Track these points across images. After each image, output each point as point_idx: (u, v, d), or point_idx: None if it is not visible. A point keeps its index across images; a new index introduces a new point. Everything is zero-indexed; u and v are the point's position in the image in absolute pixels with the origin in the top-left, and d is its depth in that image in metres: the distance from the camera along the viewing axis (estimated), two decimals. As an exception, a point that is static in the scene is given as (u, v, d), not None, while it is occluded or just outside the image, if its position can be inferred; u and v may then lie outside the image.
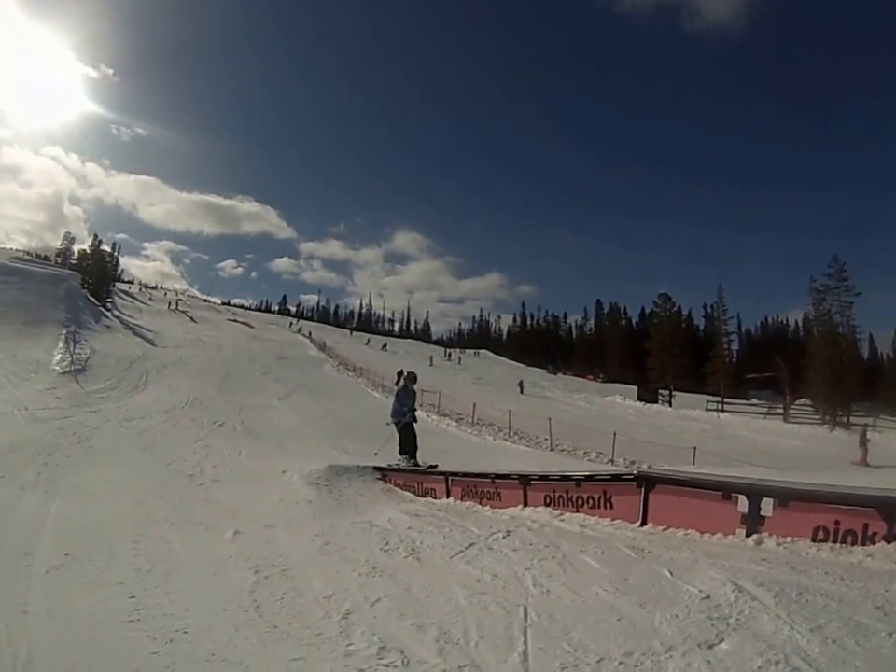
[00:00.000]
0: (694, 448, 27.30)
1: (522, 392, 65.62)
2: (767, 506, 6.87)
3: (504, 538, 8.00)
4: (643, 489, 8.34)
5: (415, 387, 16.73)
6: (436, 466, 15.18)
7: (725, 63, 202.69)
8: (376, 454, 16.64)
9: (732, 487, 7.32)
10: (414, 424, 16.57)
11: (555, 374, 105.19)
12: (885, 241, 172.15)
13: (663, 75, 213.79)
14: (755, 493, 7.02)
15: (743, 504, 7.08)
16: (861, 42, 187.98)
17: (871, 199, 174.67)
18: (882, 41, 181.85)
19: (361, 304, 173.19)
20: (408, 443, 16.18)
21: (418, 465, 15.69)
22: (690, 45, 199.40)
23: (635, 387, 76.14)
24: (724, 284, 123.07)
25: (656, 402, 68.75)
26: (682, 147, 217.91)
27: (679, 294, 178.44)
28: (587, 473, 9.77)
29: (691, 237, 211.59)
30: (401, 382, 17.18)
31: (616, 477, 9.15)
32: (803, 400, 67.99)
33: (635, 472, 9.06)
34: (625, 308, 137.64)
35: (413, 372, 17.23)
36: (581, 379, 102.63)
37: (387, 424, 16.48)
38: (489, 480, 11.51)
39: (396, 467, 15.75)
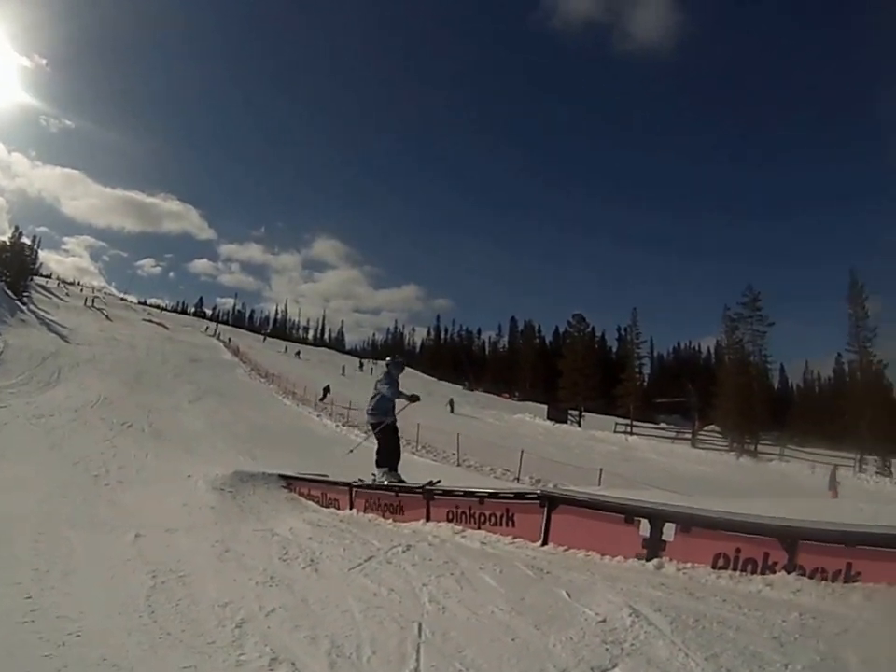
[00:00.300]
0: (601, 469, 28.00)
1: (452, 411, 64.67)
2: (669, 531, 6.91)
3: (404, 552, 7.97)
4: (546, 509, 8.36)
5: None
6: (438, 481, 11.76)
7: (653, 85, 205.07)
8: (351, 451, 15.20)
9: (634, 511, 7.36)
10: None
11: (472, 391, 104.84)
12: (801, 271, 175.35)
13: (591, 93, 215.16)
14: (657, 517, 7.07)
15: (645, 528, 7.10)
16: (786, 67, 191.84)
17: (788, 227, 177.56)
18: (805, 67, 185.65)
19: (277, 310, 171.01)
20: (391, 452, 12.98)
21: (403, 480, 12.40)
22: (619, 65, 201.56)
23: (545, 406, 77.40)
24: (640, 308, 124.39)
25: (565, 422, 70.11)
26: (607, 166, 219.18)
27: (594, 315, 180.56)
28: (490, 490, 9.78)
29: (609, 259, 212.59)
30: (384, 368, 13.56)
31: (519, 496, 9.14)
32: (711, 427, 70.36)
33: (538, 492, 9.01)
34: (539, 327, 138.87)
35: (399, 357, 14.20)
36: (497, 397, 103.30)
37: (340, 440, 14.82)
38: (392, 493, 11.51)
39: (361, 482, 12.77)
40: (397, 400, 12.90)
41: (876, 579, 5.55)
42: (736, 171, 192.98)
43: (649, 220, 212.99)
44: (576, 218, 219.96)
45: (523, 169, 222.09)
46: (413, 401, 12.67)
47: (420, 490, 10.84)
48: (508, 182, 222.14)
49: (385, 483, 12.14)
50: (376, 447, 13.02)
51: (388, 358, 13.65)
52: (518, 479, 29.33)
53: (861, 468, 54.04)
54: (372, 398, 12.98)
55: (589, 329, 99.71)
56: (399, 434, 13.40)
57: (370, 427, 13.50)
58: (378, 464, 12.76)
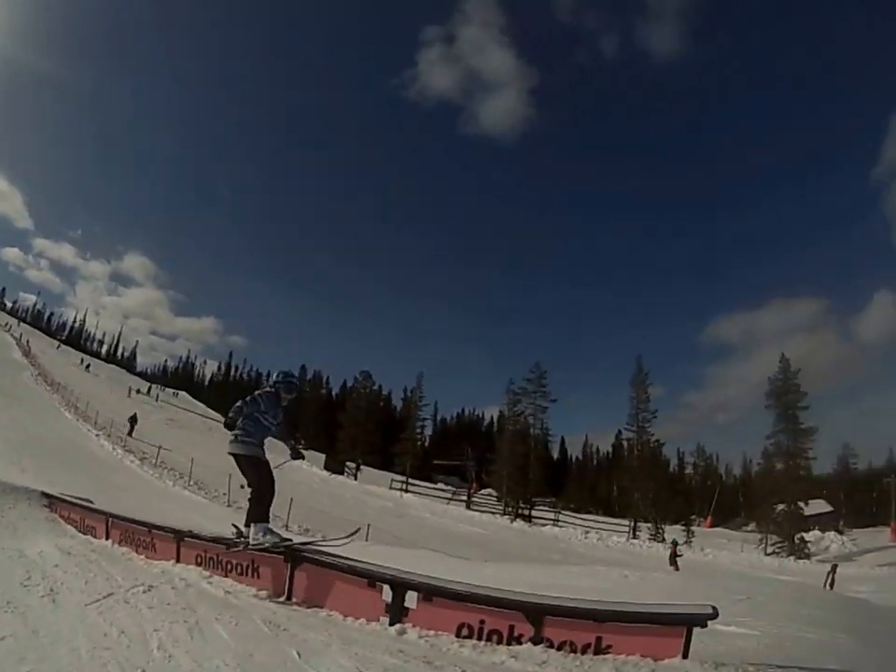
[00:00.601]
0: (368, 525, 27.87)
1: None
2: (412, 598, 6.95)
3: (144, 592, 7.77)
4: (290, 564, 8.34)
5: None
6: (355, 532, 10.16)
7: (480, 165, 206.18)
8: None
9: (376, 576, 7.39)
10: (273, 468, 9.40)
11: None
12: (588, 350, 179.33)
13: (421, 162, 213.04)
14: (399, 584, 7.10)
15: (387, 593, 7.13)
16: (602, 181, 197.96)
17: (579, 306, 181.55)
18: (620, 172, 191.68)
19: (76, 318, 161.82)
20: (268, 500, 9.16)
21: (288, 540, 9.19)
22: (458, 143, 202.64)
23: (323, 455, 77.22)
24: (430, 372, 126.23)
25: (342, 474, 70.61)
26: (417, 228, 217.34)
27: (383, 374, 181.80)
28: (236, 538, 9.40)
29: (405, 323, 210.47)
30: (268, 387, 9.86)
31: (265, 548, 8.87)
32: (488, 491, 72.82)
33: (281, 546, 8.85)
34: (328, 378, 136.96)
35: (292, 377, 10.07)
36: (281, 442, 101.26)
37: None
38: (146, 529, 11.05)
39: (235, 541, 9.11)
40: (273, 438, 9.71)
41: (629, 651, 5.70)
42: (536, 250, 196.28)
43: (448, 287, 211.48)
44: (378, 278, 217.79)
45: (335, 218, 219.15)
46: (297, 458, 10.41)
47: (171, 531, 10.52)
48: (316, 227, 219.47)
49: (268, 545, 8.70)
50: (251, 494, 9.20)
51: (278, 374, 9.97)
52: (287, 527, 29.16)
53: (635, 534, 58.11)
54: (245, 417, 9.31)
55: (376, 387, 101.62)
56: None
57: (235, 460, 9.29)
58: (255, 517, 9.00)
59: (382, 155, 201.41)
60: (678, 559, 35.65)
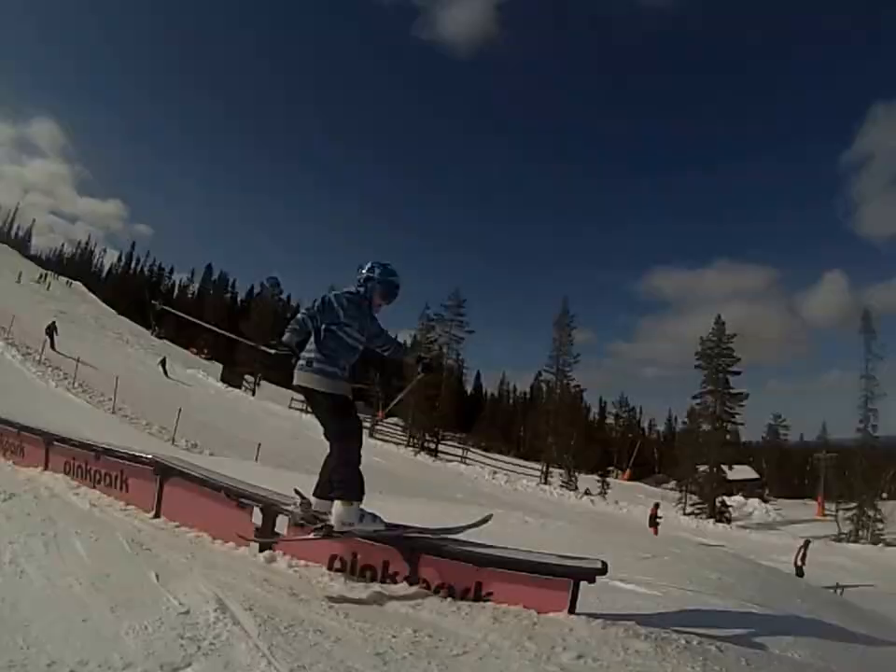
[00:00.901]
0: (259, 444, 28.93)
1: (166, 374, 58.61)
2: (282, 524, 6.56)
3: (5, 501, 7.48)
4: (159, 478, 7.90)
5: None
6: (486, 519, 6.93)
7: (426, 76, 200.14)
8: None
9: (246, 496, 7.01)
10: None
11: (161, 339, 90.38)
12: (514, 285, 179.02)
13: (370, 61, 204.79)
14: (269, 507, 6.72)
15: (257, 517, 6.74)
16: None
17: (509, 237, 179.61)
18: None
19: None
20: (354, 463, 6.22)
21: (395, 527, 6.37)
22: (407, 49, 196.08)
23: (220, 366, 75.76)
24: (340, 284, 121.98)
25: (240, 388, 69.03)
26: (347, 122, 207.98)
27: (293, 283, 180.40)
28: (105, 446, 9.11)
29: (322, 226, 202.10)
30: (355, 287, 6.58)
31: (134, 458, 8.50)
32: (394, 420, 70.99)
33: (150, 457, 8.33)
34: (235, 281, 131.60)
35: (393, 275, 6.68)
36: (186, 351, 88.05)
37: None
38: (15, 431, 10.58)
39: (308, 521, 6.36)
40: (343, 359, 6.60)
41: (511, 600, 5.48)
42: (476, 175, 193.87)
43: (370, 192, 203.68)
44: (297, 174, 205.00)
45: (260, 102, 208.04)
46: (427, 371, 7.52)
47: (40, 433, 10.15)
48: (241, 109, 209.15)
49: (371, 531, 6.12)
50: (330, 450, 6.43)
51: (371, 267, 6.63)
52: (174, 440, 29.13)
53: (547, 480, 58.72)
54: (320, 333, 6.37)
55: (284, 296, 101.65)
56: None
57: (309, 399, 6.69)
58: (343, 491, 6.10)
59: (323, 47, 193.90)
60: (659, 521, 34.55)
